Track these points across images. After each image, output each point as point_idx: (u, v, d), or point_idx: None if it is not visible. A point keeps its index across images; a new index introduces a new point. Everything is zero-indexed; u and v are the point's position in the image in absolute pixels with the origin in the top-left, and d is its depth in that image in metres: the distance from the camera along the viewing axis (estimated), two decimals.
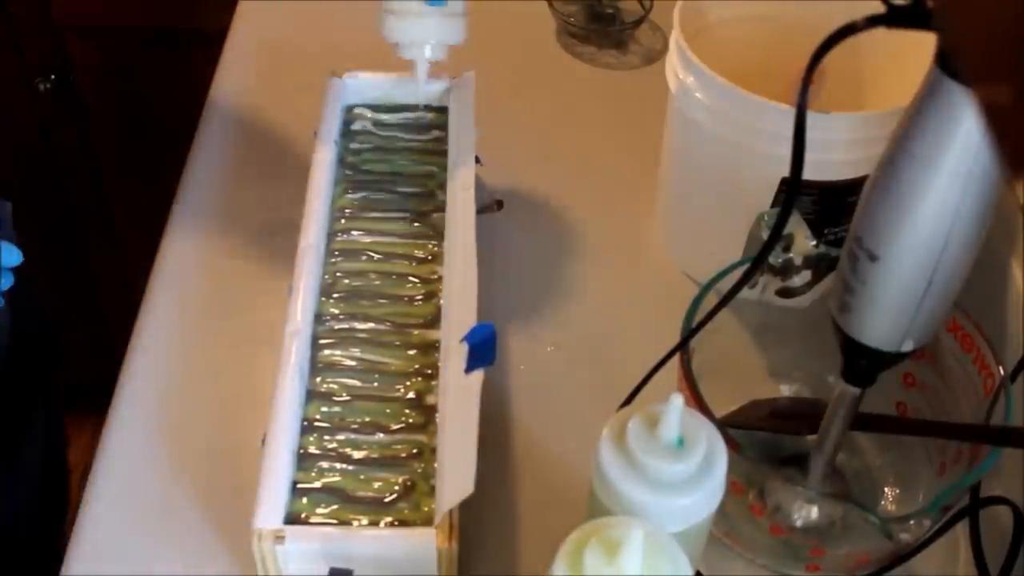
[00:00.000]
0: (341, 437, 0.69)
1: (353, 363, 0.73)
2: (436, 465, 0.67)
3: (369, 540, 0.63)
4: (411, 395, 0.71)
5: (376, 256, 0.80)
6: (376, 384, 0.72)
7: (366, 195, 0.84)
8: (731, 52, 0.83)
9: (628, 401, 0.68)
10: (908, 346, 0.56)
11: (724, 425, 0.59)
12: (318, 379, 0.72)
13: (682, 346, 0.65)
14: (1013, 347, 0.72)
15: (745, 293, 0.66)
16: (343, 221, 0.82)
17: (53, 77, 1.34)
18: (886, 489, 0.74)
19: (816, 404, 0.70)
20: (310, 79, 0.94)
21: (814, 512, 0.69)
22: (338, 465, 0.67)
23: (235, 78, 1.05)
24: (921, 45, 0.51)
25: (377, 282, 0.78)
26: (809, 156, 0.51)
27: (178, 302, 0.86)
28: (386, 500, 0.65)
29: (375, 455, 0.68)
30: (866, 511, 0.60)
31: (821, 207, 0.78)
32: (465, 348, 0.70)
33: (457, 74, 0.91)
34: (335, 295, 0.77)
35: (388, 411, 0.70)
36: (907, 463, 0.73)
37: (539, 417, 0.79)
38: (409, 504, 0.65)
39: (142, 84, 1.38)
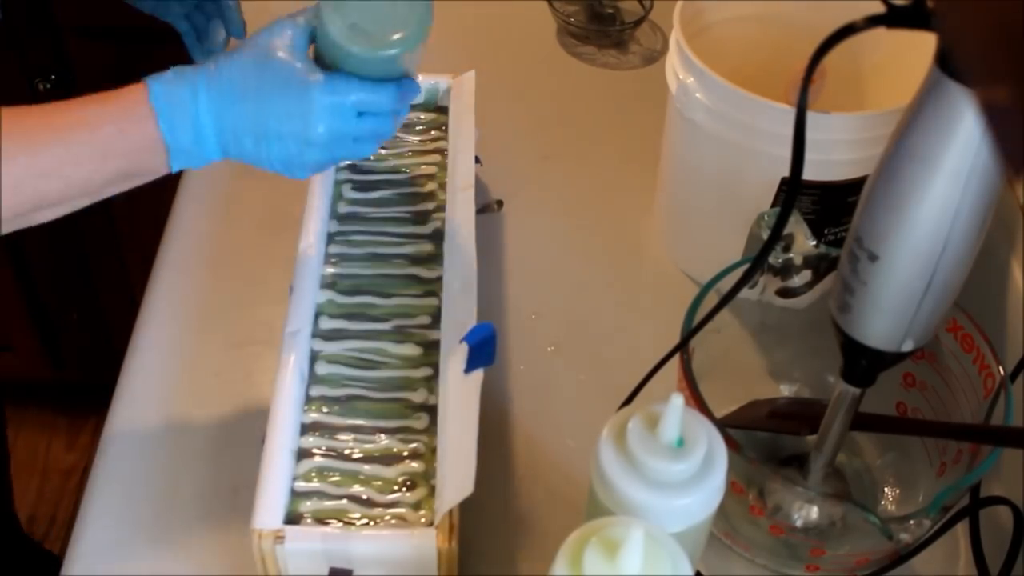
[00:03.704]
0: (341, 437, 0.69)
1: (353, 363, 0.73)
2: (436, 465, 0.67)
3: (369, 540, 0.63)
4: (411, 395, 0.71)
5: (376, 256, 0.80)
6: (376, 384, 0.72)
7: (366, 195, 0.84)
8: (731, 52, 0.83)
9: (628, 401, 0.68)
10: (908, 346, 0.56)
11: (724, 425, 0.59)
12: (318, 379, 0.72)
13: (682, 346, 0.65)
14: (1013, 347, 0.72)
15: (745, 293, 0.66)
16: (343, 221, 0.82)
17: (53, 77, 1.34)
18: (886, 489, 0.74)
19: (816, 404, 0.70)
20: None
21: (814, 512, 0.69)
22: (338, 465, 0.67)
23: None
24: (921, 45, 0.51)
25: (377, 282, 0.78)
26: (809, 156, 0.51)
27: (178, 302, 0.86)
28: (386, 500, 0.65)
29: (375, 455, 0.68)
30: (866, 511, 0.60)
31: (821, 207, 0.78)
32: (465, 348, 0.70)
33: (457, 74, 0.91)
34: (335, 295, 0.77)
35: (388, 411, 0.70)
36: (907, 463, 0.73)
37: (539, 417, 0.79)
38: (409, 504, 0.65)
39: None
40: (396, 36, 0.64)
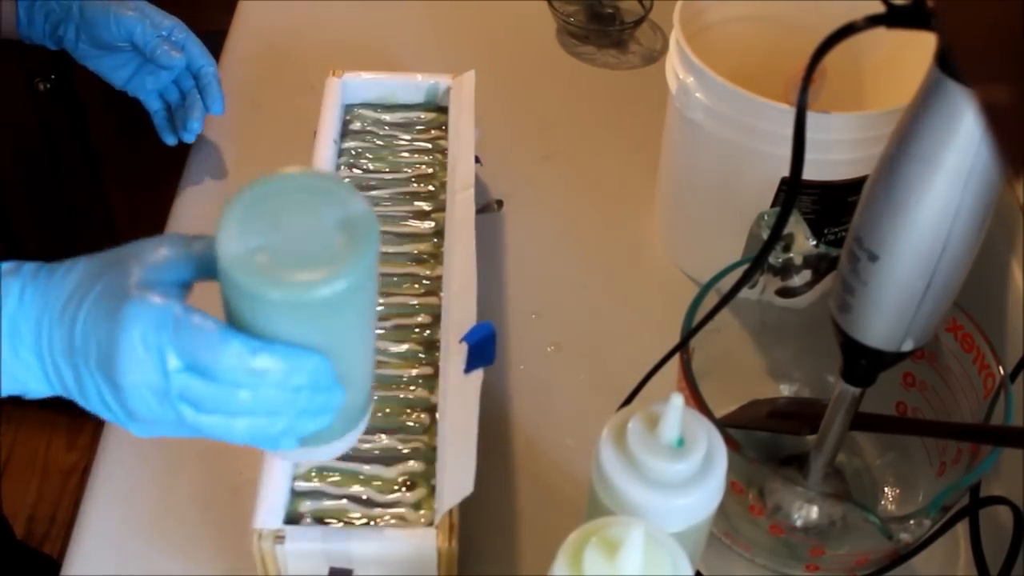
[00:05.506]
0: None
1: None
2: (436, 465, 0.67)
3: (369, 540, 0.63)
4: (411, 395, 0.71)
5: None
6: (376, 384, 0.72)
7: (366, 194, 0.84)
8: (731, 52, 0.83)
9: (628, 401, 0.68)
10: (908, 346, 0.56)
11: (724, 425, 0.59)
12: None
13: (682, 346, 0.65)
14: (1013, 347, 0.72)
15: (745, 293, 0.66)
16: None
17: (53, 77, 1.34)
18: (886, 489, 0.74)
19: (816, 404, 0.70)
20: (310, 79, 0.94)
21: (814, 512, 0.69)
22: (338, 465, 0.67)
23: (235, 78, 1.05)
24: (921, 45, 0.51)
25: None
26: (809, 156, 0.51)
27: None
28: (386, 500, 0.65)
29: (375, 454, 0.68)
30: (866, 511, 0.60)
31: (821, 207, 0.78)
32: (465, 348, 0.70)
33: (457, 74, 0.91)
34: None
35: (388, 411, 0.70)
36: (907, 463, 0.73)
37: (539, 417, 0.79)
38: (409, 504, 0.65)
39: None
40: (311, 276, 0.44)
